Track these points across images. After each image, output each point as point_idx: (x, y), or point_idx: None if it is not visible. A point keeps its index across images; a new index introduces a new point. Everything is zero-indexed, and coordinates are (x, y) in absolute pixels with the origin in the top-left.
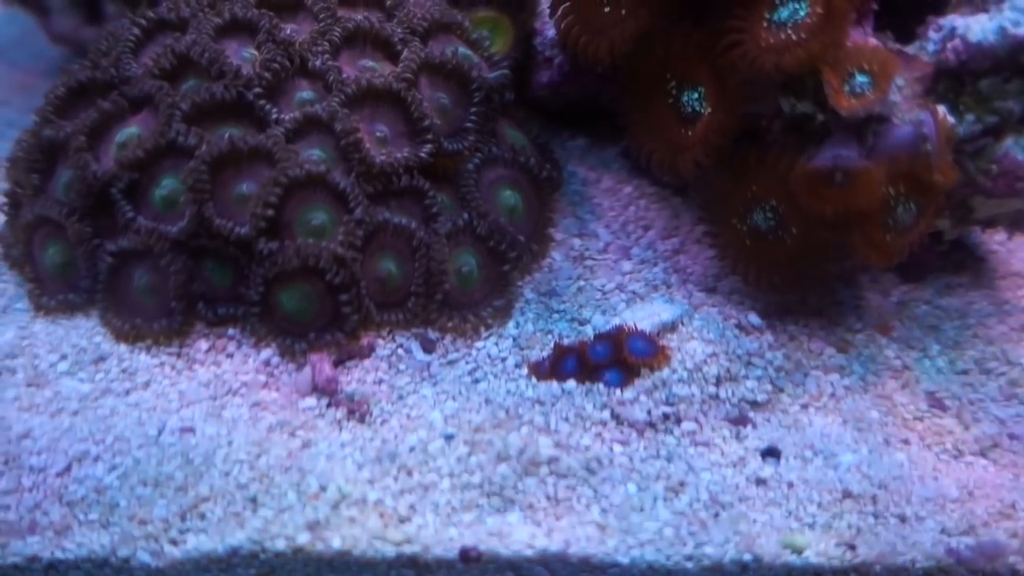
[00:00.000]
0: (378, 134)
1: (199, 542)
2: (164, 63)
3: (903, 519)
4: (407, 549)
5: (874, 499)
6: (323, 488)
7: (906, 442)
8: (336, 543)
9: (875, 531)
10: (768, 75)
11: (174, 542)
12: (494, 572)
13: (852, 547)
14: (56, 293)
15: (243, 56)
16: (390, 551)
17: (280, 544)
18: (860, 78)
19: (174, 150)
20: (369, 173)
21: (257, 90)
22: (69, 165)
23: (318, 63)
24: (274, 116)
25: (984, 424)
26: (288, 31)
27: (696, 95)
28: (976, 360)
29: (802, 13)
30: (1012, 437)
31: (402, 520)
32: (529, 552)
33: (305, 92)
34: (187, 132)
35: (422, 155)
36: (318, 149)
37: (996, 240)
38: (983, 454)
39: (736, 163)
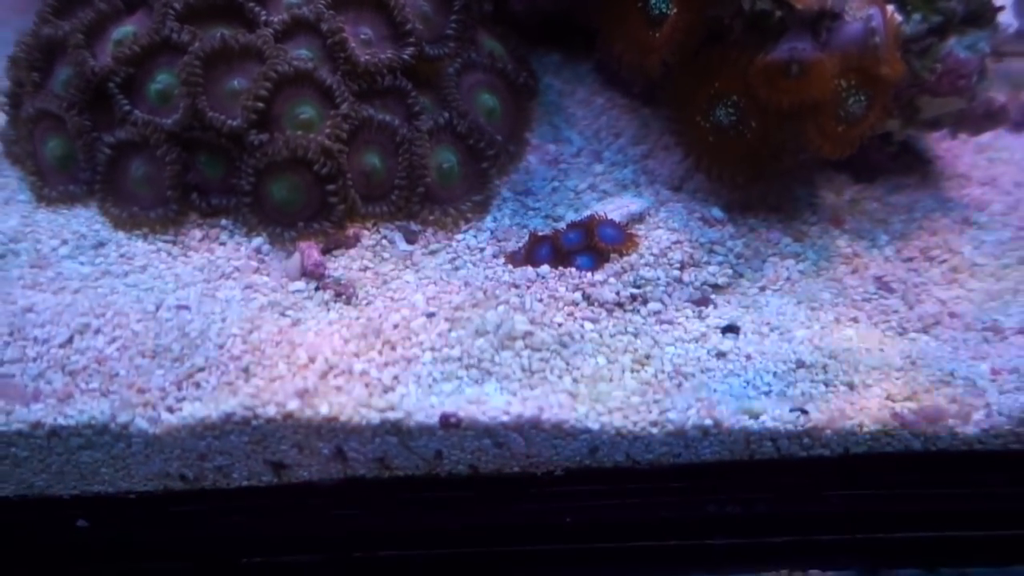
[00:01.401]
0: (362, 36)
1: (194, 409)
2: None
3: (851, 386)
4: (391, 416)
5: (825, 368)
6: (312, 360)
7: (855, 320)
8: (324, 409)
9: (826, 398)
10: None
11: (170, 409)
12: (472, 438)
13: (804, 412)
14: (57, 184)
15: None
16: (375, 417)
17: (271, 410)
18: None
19: (168, 47)
20: (354, 72)
21: None
22: (67, 62)
23: None
24: (263, 18)
25: (927, 304)
26: None
27: None
28: (921, 249)
29: None
30: (952, 315)
31: (386, 389)
32: (505, 418)
33: None
34: (180, 30)
35: (405, 57)
36: (305, 49)
37: (943, 147)
38: (925, 331)
39: (699, 63)
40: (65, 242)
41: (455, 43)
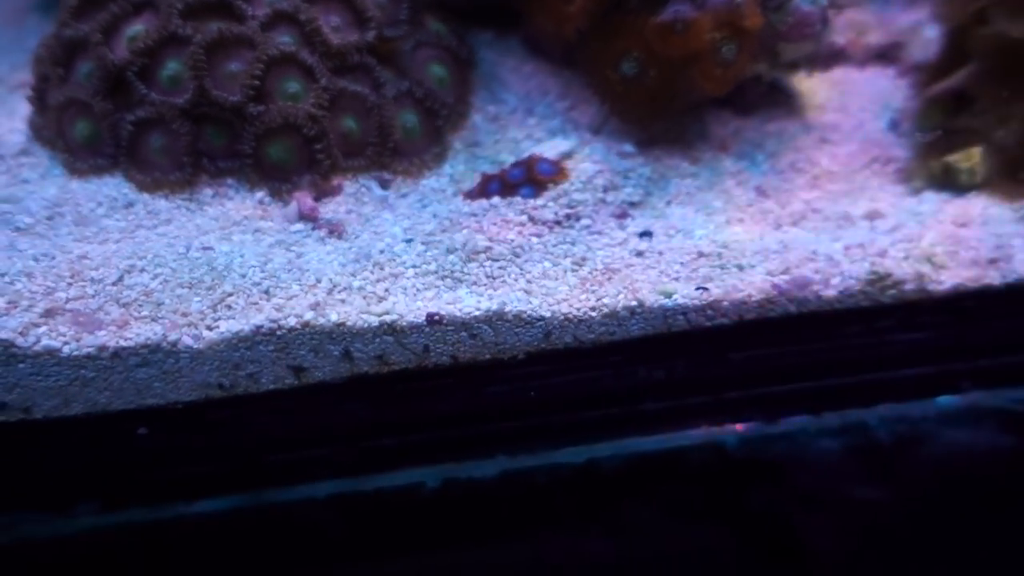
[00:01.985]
0: (332, 24)
1: (229, 325)
2: None
3: (740, 268)
4: (387, 318)
5: (719, 256)
6: (318, 280)
7: (741, 220)
8: (333, 317)
9: (722, 278)
10: None
11: (209, 327)
12: (452, 332)
13: (705, 289)
14: (86, 159)
15: None
16: (374, 321)
17: (292, 321)
18: None
19: (174, 40)
20: (329, 53)
21: None
22: (88, 57)
23: None
24: (249, 13)
25: (795, 204)
26: None
27: None
28: (790, 163)
29: None
30: (815, 211)
31: (380, 299)
32: (477, 313)
33: None
34: (184, 25)
35: (368, 39)
36: (287, 36)
37: (804, 85)
38: (794, 224)
39: (607, 27)
40: (100, 204)
41: (408, 26)
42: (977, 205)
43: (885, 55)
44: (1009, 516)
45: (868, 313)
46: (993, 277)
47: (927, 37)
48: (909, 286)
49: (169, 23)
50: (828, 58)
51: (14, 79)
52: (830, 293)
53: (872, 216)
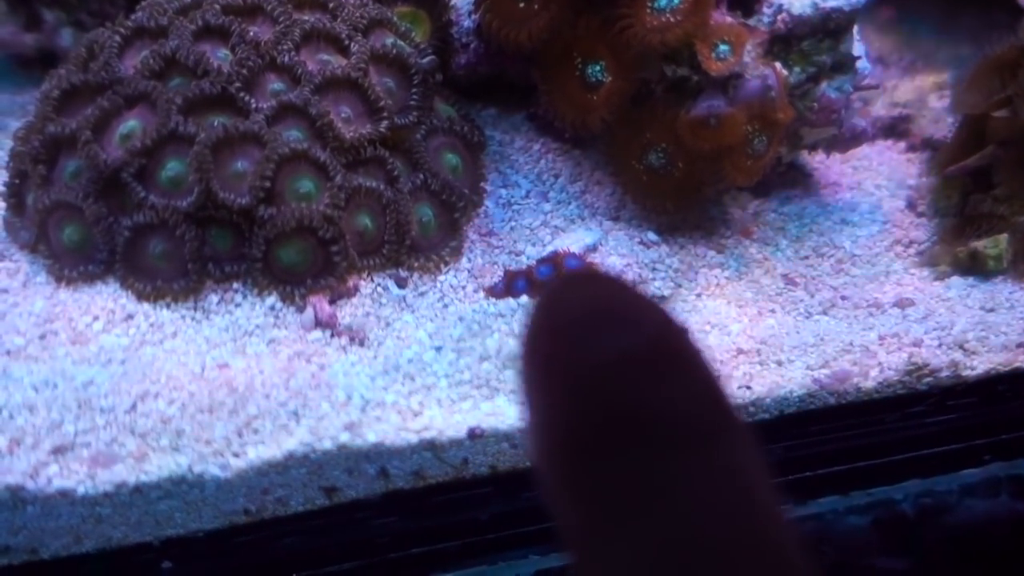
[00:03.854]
0: (343, 115)
1: (259, 452)
2: (154, 65)
3: (780, 363)
4: (426, 435)
5: (758, 352)
6: (349, 397)
7: (772, 311)
8: (371, 438)
9: (762, 374)
10: (654, 49)
11: (236, 455)
12: (493, 443)
13: (749, 387)
14: (76, 266)
15: (218, 56)
16: (413, 438)
17: (327, 444)
18: (722, 47)
19: (174, 138)
20: (341, 147)
21: (237, 84)
22: (77, 156)
23: (285, 59)
24: (253, 105)
25: (823, 292)
26: (252, 33)
27: (598, 67)
28: (813, 248)
29: (676, 1)
30: (843, 298)
31: (416, 414)
32: (519, 423)
33: (276, 84)
34: (185, 122)
35: (381, 130)
36: (295, 130)
37: (816, 160)
38: (825, 312)
39: (632, 118)
40: (97, 318)
41: (418, 111)
42: (1004, 290)
43: (894, 128)
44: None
45: (902, 400)
46: (1023, 361)
47: (934, 107)
48: (944, 373)
49: (168, 120)
50: (848, 140)
51: None
52: (869, 384)
53: (903, 304)
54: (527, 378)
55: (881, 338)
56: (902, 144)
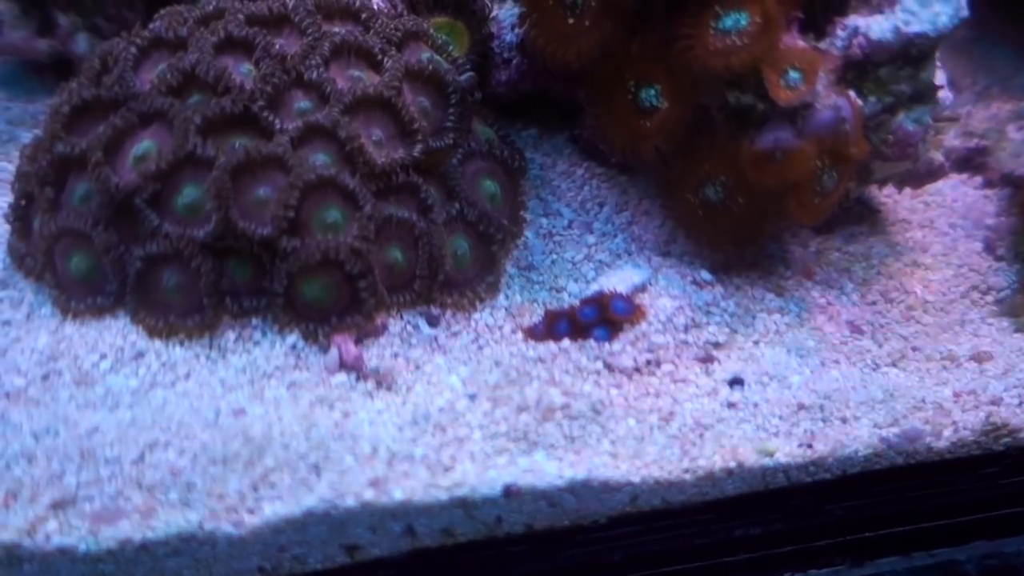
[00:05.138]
0: (374, 138)
1: (275, 508)
2: (171, 80)
3: (844, 420)
4: (457, 492)
5: (821, 408)
6: (375, 449)
7: (836, 362)
8: (398, 495)
9: (825, 432)
10: (717, 74)
11: (251, 511)
12: (530, 502)
13: (810, 446)
14: (83, 298)
15: (241, 71)
16: (443, 495)
17: (350, 501)
18: (793, 74)
19: (191, 161)
20: (372, 173)
21: (260, 103)
22: (87, 179)
23: (313, 75)
24: (278, 126)
25: (892, 342)
26: (278, 46)
27: (653, 92)
28: (881, 292)
29: (743, 22)
30: (915, 349)
31: (447, 469)
32: (560, 483)
33: (303, 102)
34: (204, 144)
35: (415, 155)
36: (322, 154)
37: (884, 194)
38: (894, 364)
39: (688, 148)
40: (104, 356)
41: (454, 134)
42: None
43: (969, 160)
44: None
45: (976, 461)
46: None
47: (1014, 139)
48: None
49: (186, 141)
50: (923, 176)
51: None
52: (941, 445)
53: (980, 358)
54: None
55: (956, 395)
56: (978, 179)
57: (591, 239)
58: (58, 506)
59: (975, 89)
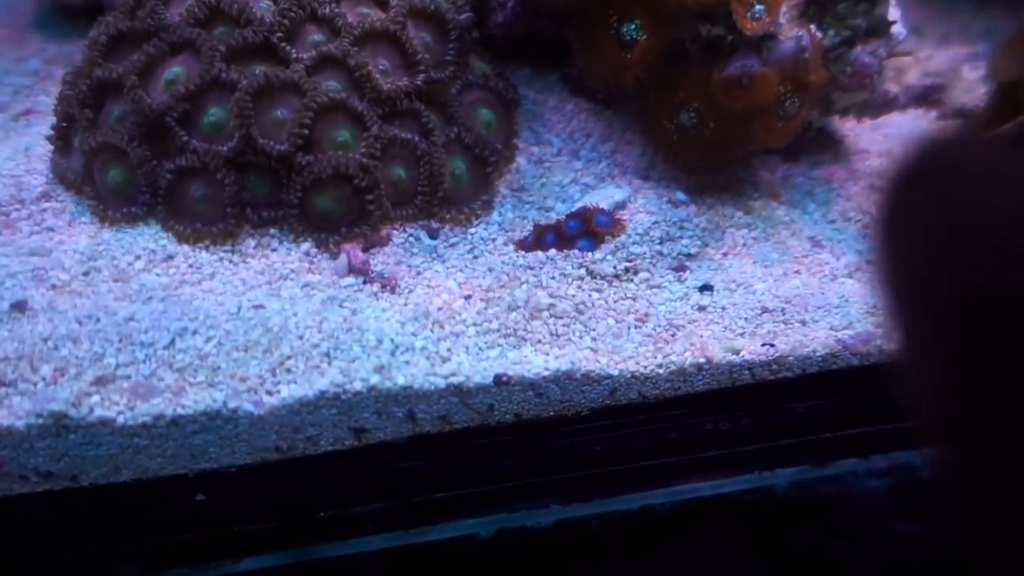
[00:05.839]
0: (380, 67)
1: (291, 391)
2: (199, 13)
3: (804, 323)
4: (453, 380)
5: (783, 311)
6: (379, 341)
7: (798, 272)
8: (400, 381)
9: (786, 333)
10: (690, 8)
11: (270, 392)
12: (518, 392)
13: (772, 345)
14: (119, 207)
15: (261, 6)
16: (441, 383)
17: (358, 385)
18: (758, 7)
19: (217, 84)
20: (378, 99)
21: (279, 34)
22: (123, 101)
23: (326, 11)
24: (294, 55)
25: (849, 256)
26: None
27: (633, 26)
28: (840, 212)
29: None
30: (868, 262)
31: (444, 360)
32: (545, 373)
33: (316, 35)
34: (228, 70)
35: (418, 83)
36: (334, 80)
37: (847, 127)
38: (850, 276)
39: (665, 77)
40: (139, 257)
41: (454, 67)
42: None
43: (926, 97)
44: None
45: None
46: None
47: (967, 79)
48: None
49: (212, 67)
50: (879, 106)
51: (17, 106)
52: (892, 346)
53: None
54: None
55: None
56: (933, 113)
57: (578, 165)
58: (99, 382)
59: (936, 35)
